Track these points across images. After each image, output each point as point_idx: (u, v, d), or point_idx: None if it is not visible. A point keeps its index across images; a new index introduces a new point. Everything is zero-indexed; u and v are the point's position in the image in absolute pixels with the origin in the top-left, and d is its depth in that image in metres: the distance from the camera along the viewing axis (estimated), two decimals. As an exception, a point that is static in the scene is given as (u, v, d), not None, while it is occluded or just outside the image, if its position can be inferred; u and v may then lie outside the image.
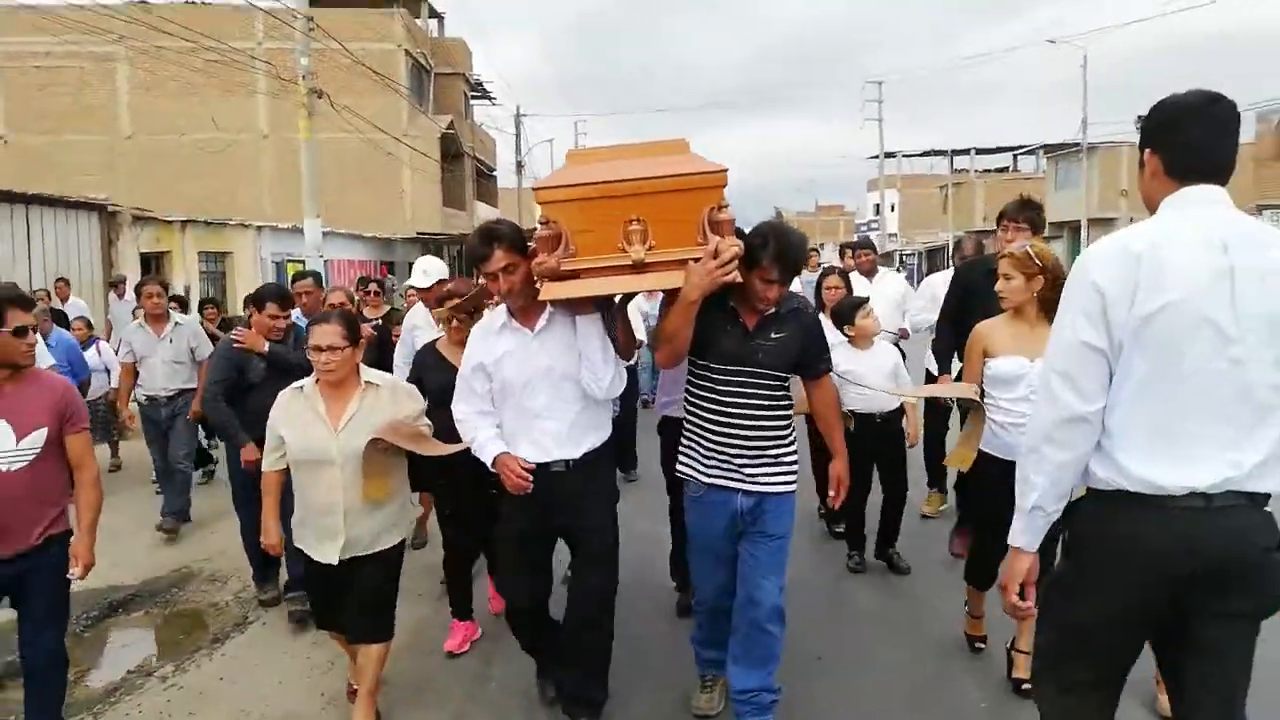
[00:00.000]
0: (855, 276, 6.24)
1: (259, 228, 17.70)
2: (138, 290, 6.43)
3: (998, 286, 3.53)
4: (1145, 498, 1.97)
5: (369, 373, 3.36)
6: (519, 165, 38.70)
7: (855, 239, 9.37)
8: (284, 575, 4.60)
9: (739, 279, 2.93)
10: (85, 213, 12.65)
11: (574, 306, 3.07)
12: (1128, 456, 1.99)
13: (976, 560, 3.82)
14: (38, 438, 2.99)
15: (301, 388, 3.29)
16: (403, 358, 4.90)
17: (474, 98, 36.02)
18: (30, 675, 3.04)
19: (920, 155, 58.52)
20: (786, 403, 3.21)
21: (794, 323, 3.17)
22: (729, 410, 3.12)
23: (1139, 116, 2.93)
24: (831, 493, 3.33)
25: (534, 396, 3.12)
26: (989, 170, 56.95)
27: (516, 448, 3.15)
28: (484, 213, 35.92)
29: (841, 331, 4.80)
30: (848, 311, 4.84)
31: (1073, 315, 2.05)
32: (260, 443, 3.65)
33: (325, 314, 3.34)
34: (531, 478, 3.10)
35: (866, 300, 4.96)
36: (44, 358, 5.04)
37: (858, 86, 57.03)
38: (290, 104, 23.99)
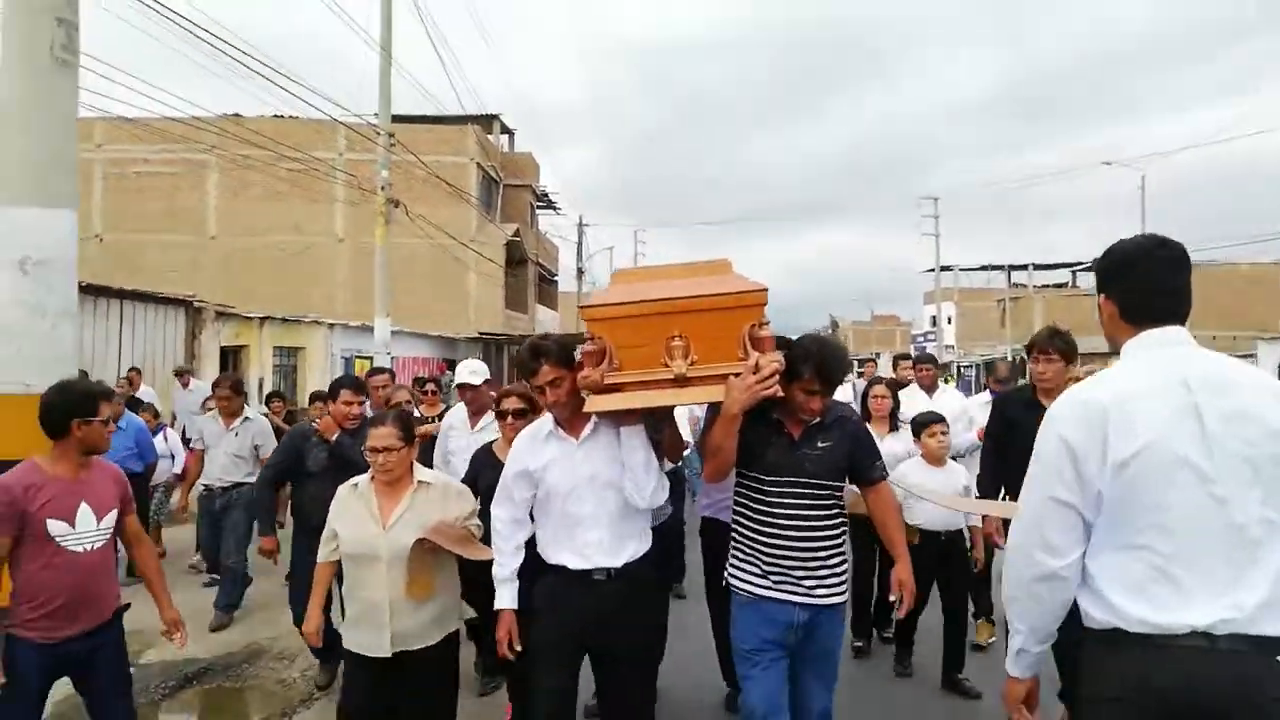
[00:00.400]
0: (913, 390, 6.33)
1: (330, 325, 18.48)
2: (215, 386, 6.68)
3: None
4: (1145, 637, 1.92)
5: (422, 472, 3.44)
6: (579, 271, 39.84)
7: (913, 351, 9.56)
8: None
9: (780, 393, 2.97)
10: (173, 308, 13.43)
11: (619, 417, 3.11)
12: (1122, 598, 1.95)
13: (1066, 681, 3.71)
14: (110, 519, 3.26)
15: (356, 484, 3.40)
16: (439, 458, 4.96)
17: (539, 207, 37.48)
18: None
19: (978, 269, 58.77)
20: (837, 512, 3.21)
21: (839, 430, 3.20)
22: (780, 521, 3.12)
23: (1093, 260, 2.92)
24: (893, 598, 3.29)
25: (578, 504, 3.15)
26: (1047, 285, 56.83)
27: (558, 555, 3.18)
28: (544, 315, 36.87)
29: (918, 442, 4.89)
30: (918, 427, 4.91)
31: (1041, 472, 2.05)
32: (315, 531, 3.80)
33: (382, 415, 3.45)
34: (516, 651, 3.20)
35: (943, 419, 5.00)
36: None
37: (913, 200, 57.64)
38: (365, 210, 25.59)
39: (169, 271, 25.46)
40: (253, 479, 6.16)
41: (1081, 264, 53.05)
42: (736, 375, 2.92)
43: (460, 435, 4.94)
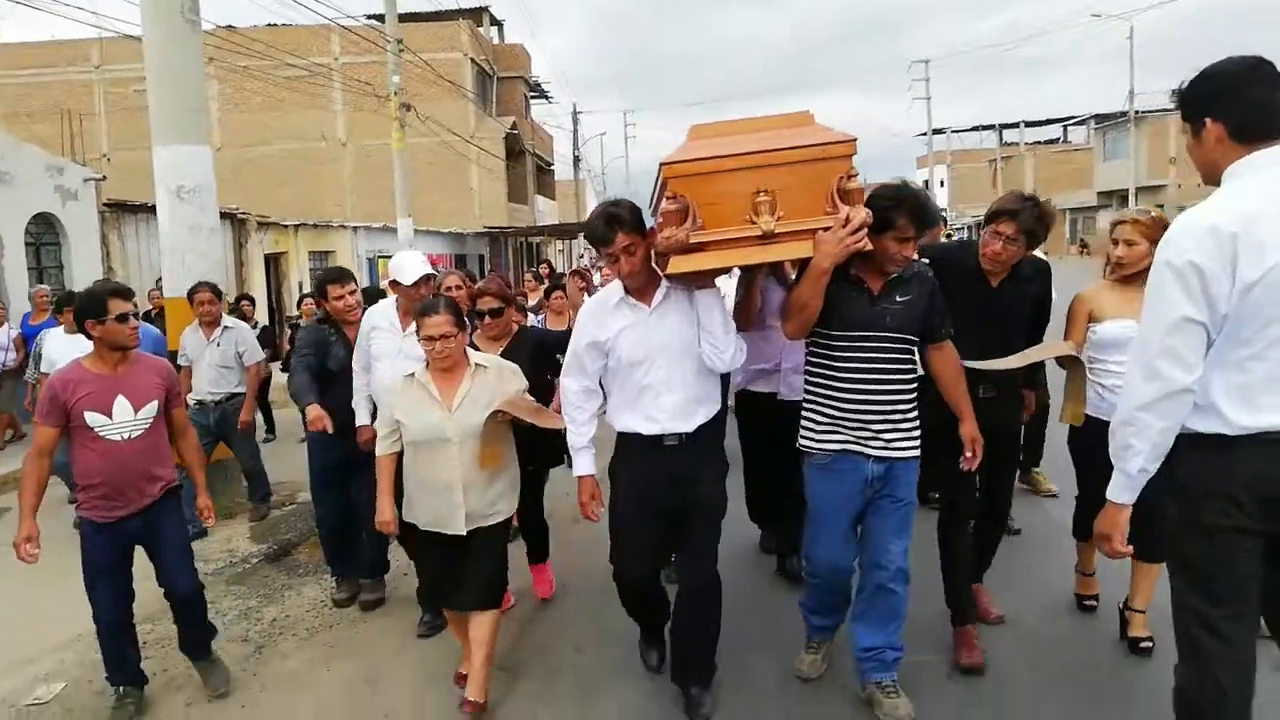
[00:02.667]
0: None
1: (355, 228, 19.51)
2: (192, 294, 5.93)
3: (1120, 252, 3.52)
4: (1251, 439, 2.09)
5: (476, 355, 3.49)
6: (576, 159, 40.36)
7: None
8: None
9: (870, 246, 2.90)
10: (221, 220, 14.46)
11: (694, 281, 3.08)
12: (1232, 407, 2.10)
13: (1085, 515, 3.76)
14: (150, 409, 3.41)
15: (414, 374, 3.41)
16: (359, 362, 4.29)
17: (533, 97, 37.74)
18: (182, 602, 3.54)
19: (969, 130, 58.78)
20: (913, 367, 3.17)
21: (917, 285, 3.13)
22: (859, 377, 3.07)
23: (1174, 90, 2.21)
24: (968, 454, 3.25)
25: (651, 372, 3.12)
26: (1039, 142, 57.01)
27: (629, 421, 3.20)
28: (543, 205, 37.62)
29: None
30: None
31: (1171, 293, 2.09)
32: (338, 431, 4.12)
33: (434, 303, 3.39)
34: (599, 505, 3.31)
35: None
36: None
37: (903, 64, 57.07)
38: (365, 113, 26.26)
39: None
40: (243, 389, 6.03)
41: (1073, 118, 53.17)
42: (826, 229, 2.87)
43: (388, 338, 4.20)
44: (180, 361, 5.90)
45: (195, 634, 3.64)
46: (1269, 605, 2.22)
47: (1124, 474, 2.26)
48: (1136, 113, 36.94)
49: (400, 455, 3.43)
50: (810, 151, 2.87)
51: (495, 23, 35.15)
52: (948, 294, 3.23)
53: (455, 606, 3.48)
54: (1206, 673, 2.17)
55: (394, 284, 4.28)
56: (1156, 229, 3.35)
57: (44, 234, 11.13)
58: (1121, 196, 38.20)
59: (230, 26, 25.74)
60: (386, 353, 4.15)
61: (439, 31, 28.05)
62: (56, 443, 3.34)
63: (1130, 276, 3.52)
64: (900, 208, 2.95)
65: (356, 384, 4.29)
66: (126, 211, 12.50)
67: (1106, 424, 3.26)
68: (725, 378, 3.62)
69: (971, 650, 3.55)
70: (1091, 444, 3.49)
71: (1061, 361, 3.49)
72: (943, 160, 50.01)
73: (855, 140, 2.91)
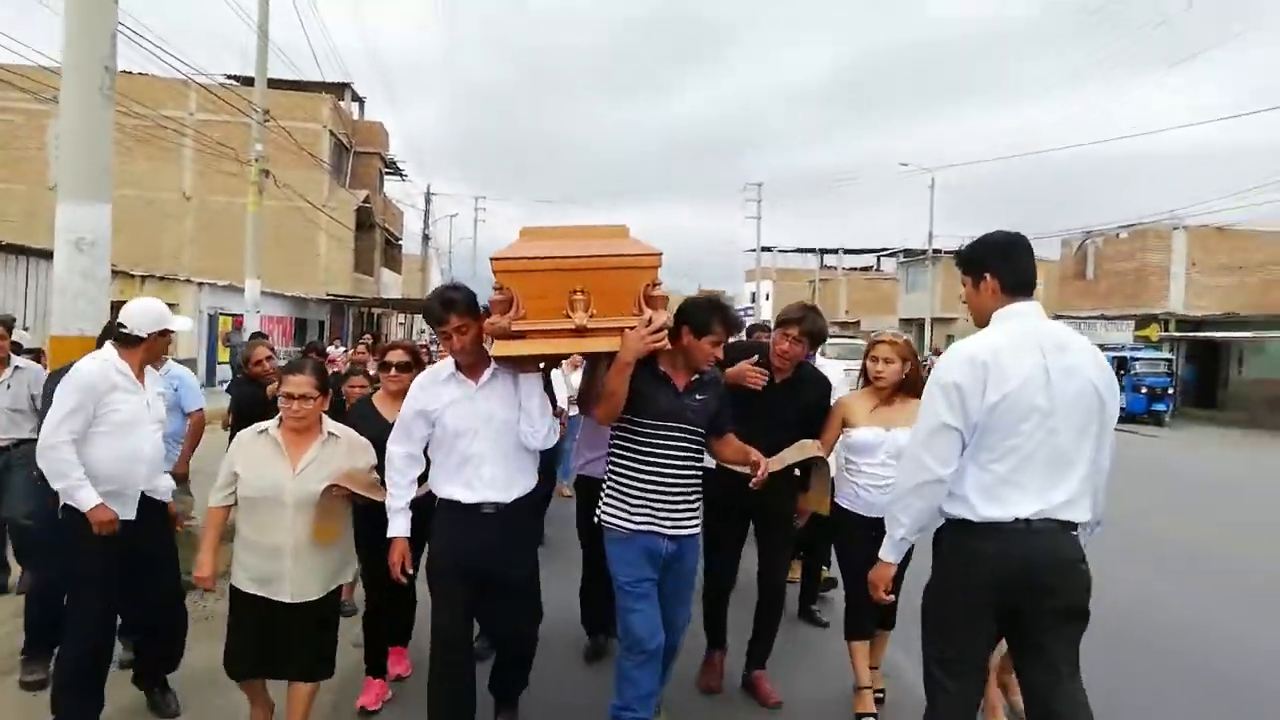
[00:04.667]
0: None
1: (200, 284, 19.61)
2: None
3: (879, 368, 3.85)
4: (987, 526, 2.57)
5: (331, 424, 3.46)
6: (425, 238, 41.18)
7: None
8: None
9: (668, 345, 3.28)
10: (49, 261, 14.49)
11: (518, 365, 3.35)
12: (977, 499, 2.58)
13: (857, 613, 3.93)
14: None
15: (265, 430, 3.37)
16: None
17: (387, 173, 38.57)
18: None
19: (793, 251, 63.31)
20: (701, 455, 3.53)
21: (713, 388, 3.51)
22: (661, 462, 3.38)
23: (957, 251, 2.94)
24: (759, 475, 3.44)
25: (474, 443, 3.33)
26: (854, 268, 62.40)
27: (450, 490, 3.37)
28: (388, 278, 38.07)
29: None
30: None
31: (937, 404, 2.60)
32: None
33: (300, 363, 3.47)
34: (408, 577, 3.42)
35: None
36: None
37: (740, 184, 61.47)
38: (213, 169, 26.20)
39: (4, 221, 25.09)
40: (34, 437, 4.99)
41: (886, 250, 58.60)
42: (631, 329, 3.18)
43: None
44: None
45: None
46: (1019, 662, 2.69)
47: (891, 540, 2.78)
48: (934, 252, 41.41)
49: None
50: (622, 260, 3.22)
51: (357, 99, 36.08)
52: (757, 404, 3.77)
53: (277, 675, 3.42)
54: (943, 708, 2.67)
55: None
56: (907, 350, 3.91)
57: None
58: (919, 324, 42.34)
59: (81, 68, 25.46)
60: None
61: (301, 101, 28.72)
62: None
63: (882, 390, 3.88)
64: (716, 315, 3.37)
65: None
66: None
67: (862, 518, 3.82)
68: (549, 462, 4.06)
69: (712, 675, 4.23)
70: (848, 537, 3.92)
71: (810, 462, 3.81)
72: (769, 276, 53.69)
73: (660, 254, 3.27)
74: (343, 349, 16.82)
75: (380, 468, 3.51)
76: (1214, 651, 5.18)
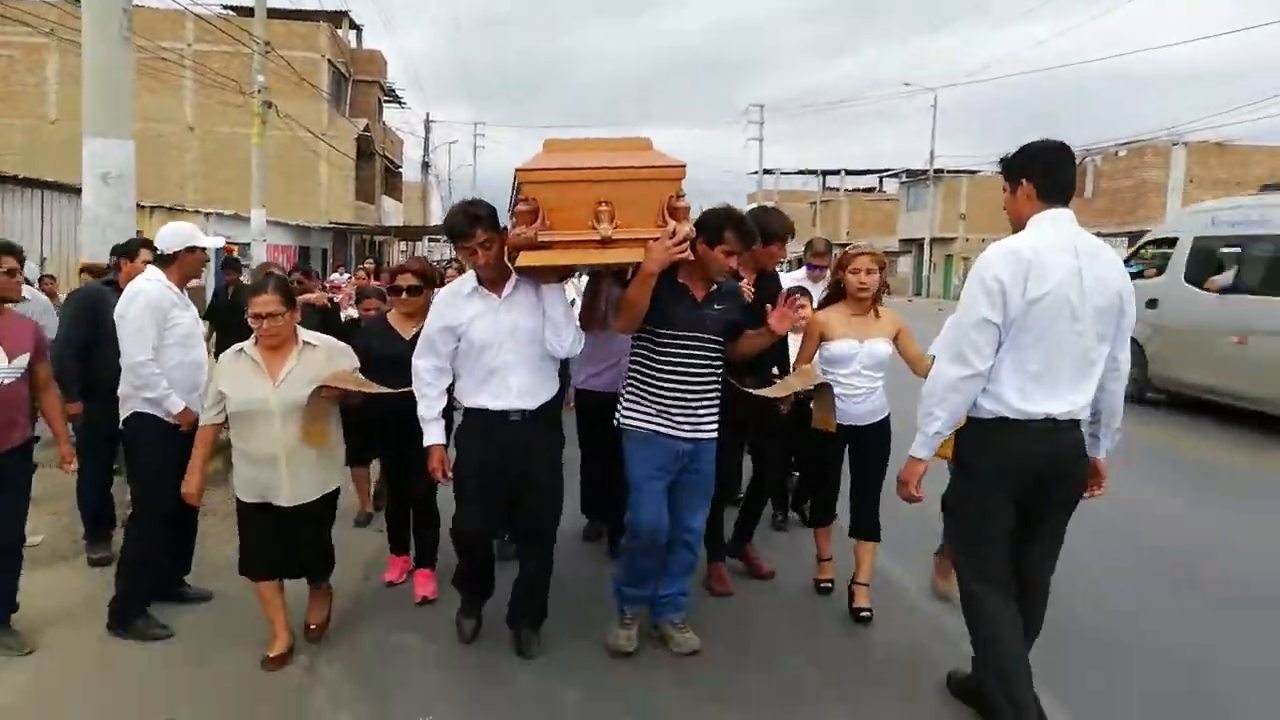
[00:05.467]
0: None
1: (207, 214, 20.04)
2: None
3: (861, 279, 3.88)
4: (1018, 422, 2.69)
5: (307, 334, 3.55)
6: (425, 165, 41.35)
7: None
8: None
9: (691, 256, 3.29)
10: (69, 195, 14.84)
11: (540, 277, 3.41)
12: (1011, 394, 2.68)
13: (820, 506, 4.30)
14: (21, 361, 3.53)
15: (242, 349, 3.45)
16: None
17: (386, 102, 38.51)
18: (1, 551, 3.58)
19: (795, 173, 63.14)
20: (720, 363, 3.57)
21: (730, 297, 3.59)
22: (678, 370, 3.45)
23: (1002, 157, 2.85)
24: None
25: (499, 354, 3.42)
26: (856, 189, 62.12)
27: (477, 399, 3.48)
28: (389, 206, 38.34)
29: None
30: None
31: (978, 300, 2.65)
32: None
33: (263, 282, 3.49)
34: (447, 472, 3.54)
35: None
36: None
37: (741, 107, 60.63)
38: (215, 99, 26.30)
39: (7, 154, 25.24)
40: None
41: (888, 170, 58.37)
42: (655, 240, 3.21)
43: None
44: None
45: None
46: (1014, 557, 2.84)
47: (925, 436, 2.82)
48: (935, 172, 41.43)
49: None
50: (646, 172, 3.24)
51: (355, 27, 35.86)
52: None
53: (287, 574, 3.60)
54: (989, 626, 2.83)
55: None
56: (880, 259, 4.03)
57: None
58: (919, 244, 42.54)
59: (77, 1, 25.38)
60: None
61: (299, 30, 28.60)
62: None
63: (861, 302, 3.95)
64: (728, 225, 3.39)
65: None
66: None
67: (837, 425, 3.86)
68: (564, 371, 4.10)
69: (721, 581, 4.36)
70: (821, 440, 3.99)
71: (814, 387, 3.86)
72: (771, 199, 53.68)
73: (684, 165, 3.29)
74: (346, 276, 17.20)
75: (362, 371, 3.68)
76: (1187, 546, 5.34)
